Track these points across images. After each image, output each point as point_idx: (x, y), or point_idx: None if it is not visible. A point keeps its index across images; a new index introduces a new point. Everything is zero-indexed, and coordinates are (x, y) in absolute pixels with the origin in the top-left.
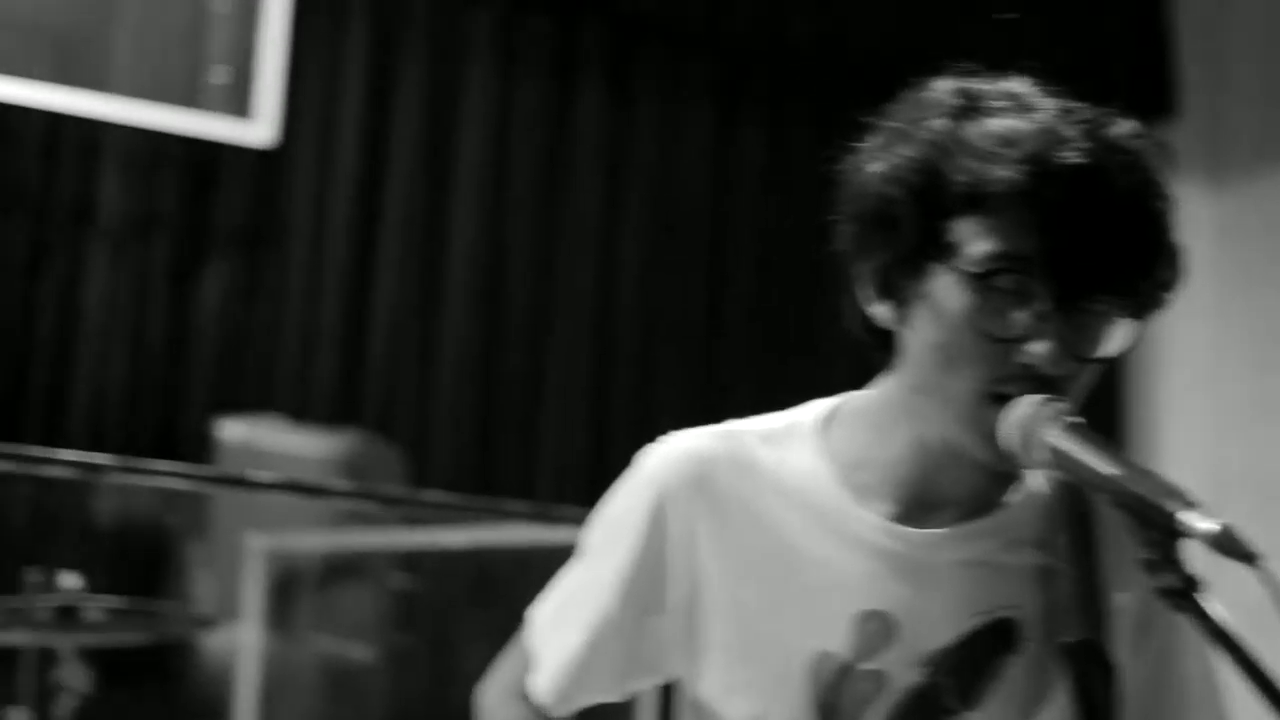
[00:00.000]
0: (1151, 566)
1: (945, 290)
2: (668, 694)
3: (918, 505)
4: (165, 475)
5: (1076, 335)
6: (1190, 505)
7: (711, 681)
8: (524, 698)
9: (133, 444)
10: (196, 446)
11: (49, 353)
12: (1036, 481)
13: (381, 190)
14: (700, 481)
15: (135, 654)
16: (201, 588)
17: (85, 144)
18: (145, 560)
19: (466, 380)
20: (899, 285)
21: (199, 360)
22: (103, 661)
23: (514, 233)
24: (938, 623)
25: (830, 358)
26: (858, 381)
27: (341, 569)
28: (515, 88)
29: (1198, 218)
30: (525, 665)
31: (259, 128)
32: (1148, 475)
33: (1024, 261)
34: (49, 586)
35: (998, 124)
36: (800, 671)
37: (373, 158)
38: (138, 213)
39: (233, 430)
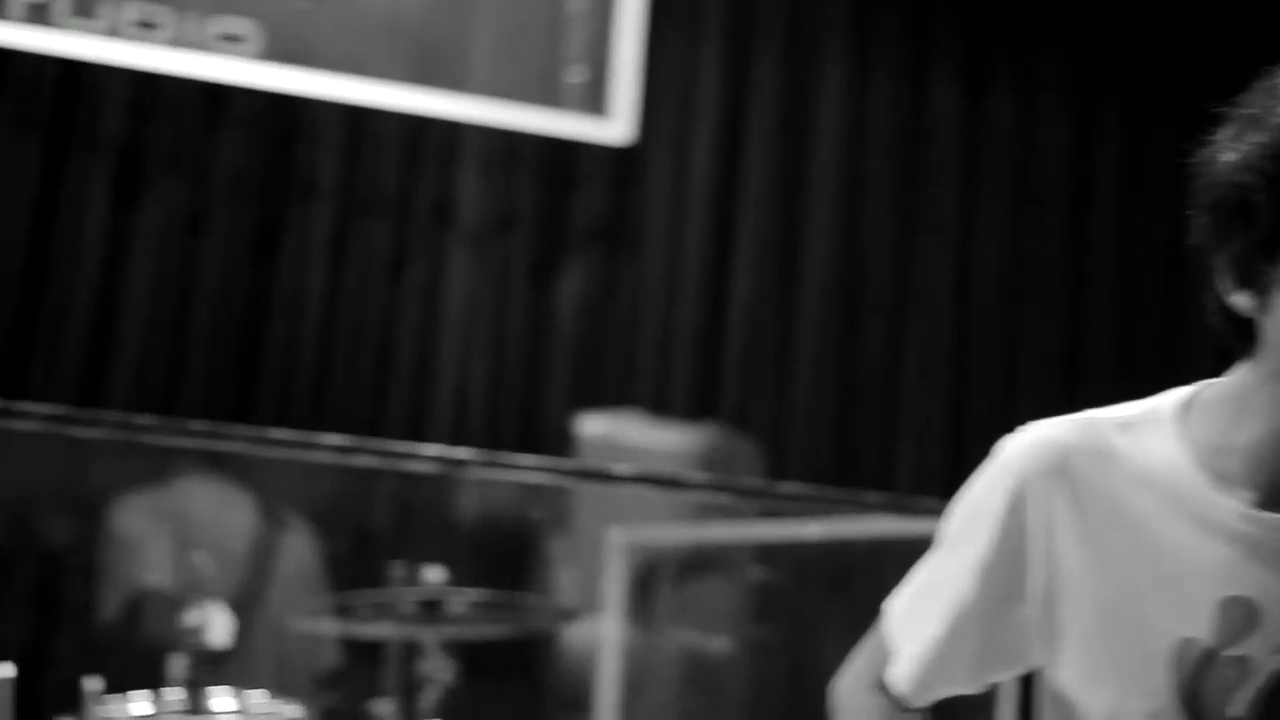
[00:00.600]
0: None
1: None
2: (1027, 686)
3: (1279, 491)
4: (527, 470)
5: None
6: None
7: (1071, 671)
8: (882, 689)
9: (494, 439)
10: (557, 441)
11: (412, 351)
12: None
13: (737, 186)
14: (1059, 470)
15: (498, 646)
16: (563, 581)
17: (445, 146)
18: (507, 554)
19: (824, 373)
20: (1258, 272)
21: (559, 356)
22: (466, 654)
23: (870, 228)
24: None
25: (1192, 351)
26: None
27: (700, 562)
28: (869, 85)
29: None
30: (883, 656)
31: (615, 126)
32: None
33: None
34: (413, 580)
35: None
36: (1162, 659)
37: (729, 154)
38: (496, 212)
39: (593, 425)
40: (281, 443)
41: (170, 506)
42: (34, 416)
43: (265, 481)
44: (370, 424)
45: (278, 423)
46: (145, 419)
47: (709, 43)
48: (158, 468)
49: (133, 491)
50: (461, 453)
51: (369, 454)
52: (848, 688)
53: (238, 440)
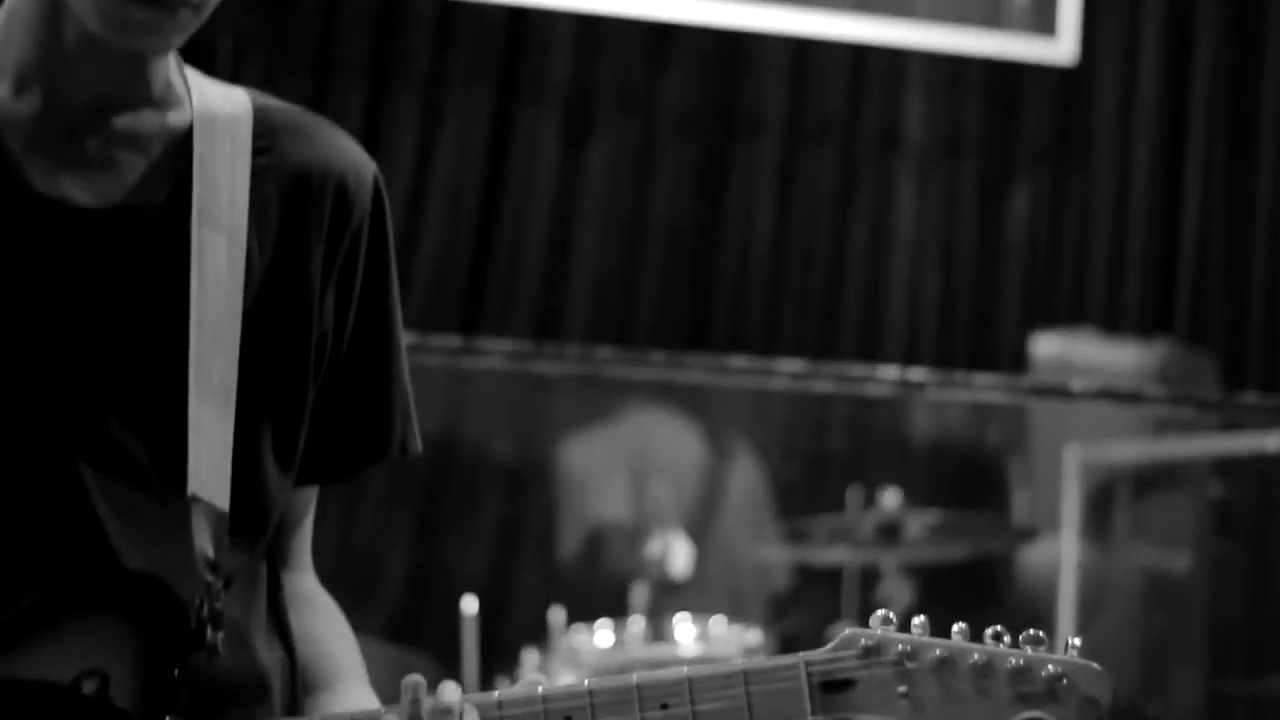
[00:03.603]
0: None
1: None
2: None
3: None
4: (981, 389)
5: None
6: None
7: None
8: None
9: (947, 360)
10: (1010, 360)
11: (862, 275)
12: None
13: (1186, 100)
14: None
15: (956, 568)
16: (1020, 501)
17: (889, 72)
18: (963, 475)
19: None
20: None
21: (1010, 276)
22: (924, 577)
23: None
24: None
25: None
26: None
27: (1158, 478)
28: None
29: None
30: None
31: (1061, 46)
32: None
33: None
34: (870, 504)
35: None
36: None
37: (1175, 67)
38: (943, 136)
39: (1046, 344)
40: (738, 370)
41: (626, 438)
42: (493, 353)
43: (718, 410)
44: (822, 349)
45: (731, 351)
46: (602, 352)
47: None
48: (612, 401)
49: (589, 425)
50: (915, 374)
51: (824, 379)
52: None
53: (695, 370)
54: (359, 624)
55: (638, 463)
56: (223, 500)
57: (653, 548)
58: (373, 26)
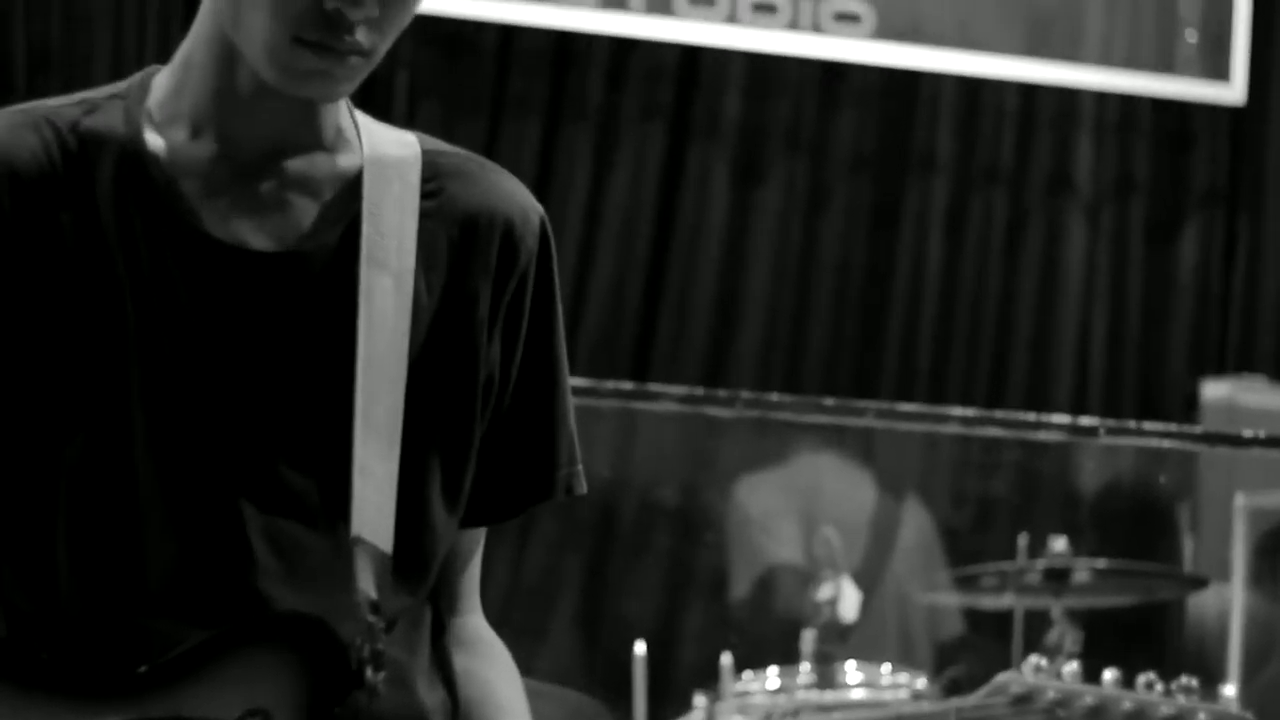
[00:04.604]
0: None
1: None
2: None
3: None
4: (1151, 435)
5: None
6: None
7: None
8: None
9: (1115, 406)
10: (1180, 406)
11: (1031, 319)
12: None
13: None
14: None
15: (1125, 615)
16: (1189, 548)
17: (1060, 114)
18: (1132, 521)
19: None
20: None
21: (1179, 320)
22: (1092, 623)
23: None
24: None
25: None
26: None
27: None
28: None
29: None
30: None
31: (1232, 87)
32: None
33: None
34: (1038, 550)
35: None
36: None
37: None
38: (1113, 178)
39: (1215, 389)
40: (909, 415)
41: (797, 482)
42: (666, 397)
43: (887, 455)
44: (991, 394)
45: (899, 396)
46: (773, 396)
47: None
48: (782, 445)
49: (760, 468)
50: (1084, 420)
51: (994, 424)
52: None
53: (865, 415)
54: (529, 667)
55: (809, 506)
56: (386, 542)
57: (823, 592)
58: (547, 66)
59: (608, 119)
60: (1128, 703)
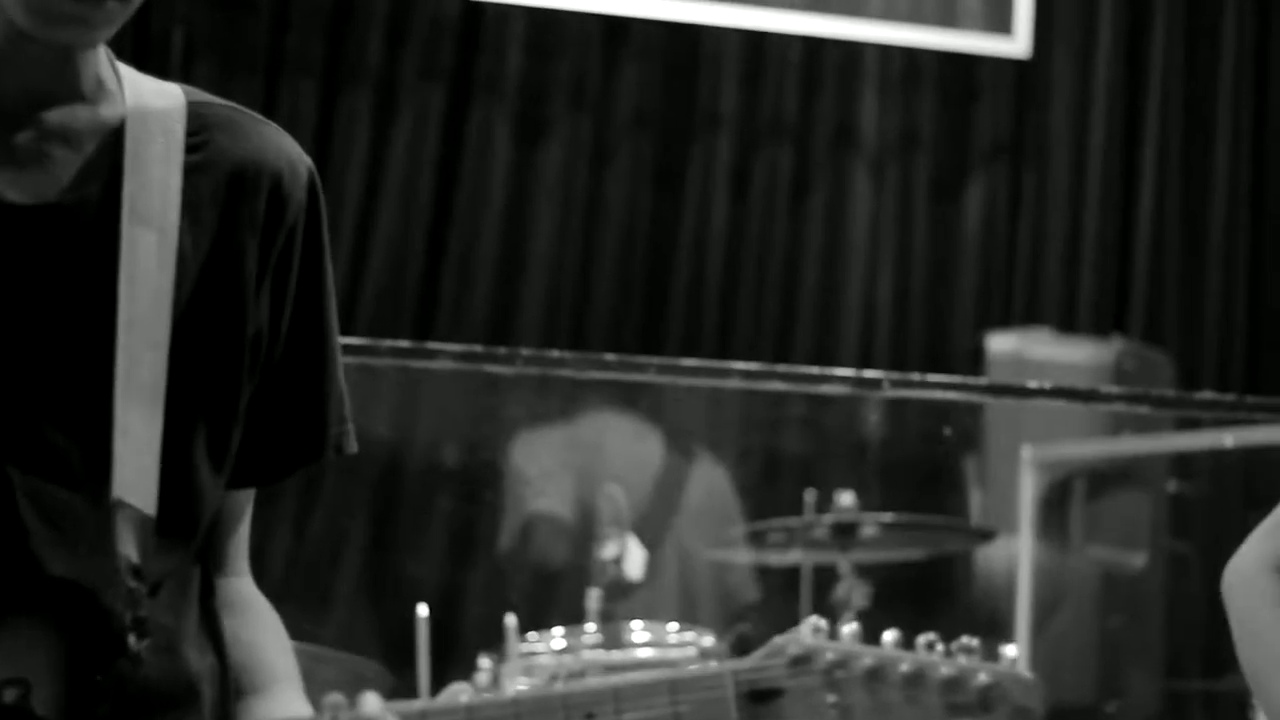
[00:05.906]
0: None
1: None
2: None
3: None
4: (936, 388)
5: None
6: None
7: None
8: None
9: (902, 360)
10: (965, 360)
11: (817, 275)
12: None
13: (1141, 96)
14: None
15: (912, 569)
16: (976, 500)
17: (844, 68)
18: (919, 475)
19: (1234, 279)
20: None
21: (964, 275)
22: (880, 577)
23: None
24: None
25: None
26: None
27: (1113, 475)
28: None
29: None
30: None
31: (1015, 41)
32: None
33: None
34: (825, 506)
35: None
36: None
37: (1131, 62)
38: (898, 132)
39: (1001, 342)
40: (692, 370)
41: (581, 440)
42: (447, 355)
43: (674, 413)
44: (778, 350)
45: (686, 353)
46: (554, 353)
47: None
48: (567, 403)
49: (543, 426)
50: (870, 373)
51: (778, 379)
52: (1246, 571)
53: (648, 371)
54: (312, 632)
55: (594, 464)
56: (149, 504)
57: (607, 551)
58: (325, 25)
59: (388, 76)
60: (906, 664)
